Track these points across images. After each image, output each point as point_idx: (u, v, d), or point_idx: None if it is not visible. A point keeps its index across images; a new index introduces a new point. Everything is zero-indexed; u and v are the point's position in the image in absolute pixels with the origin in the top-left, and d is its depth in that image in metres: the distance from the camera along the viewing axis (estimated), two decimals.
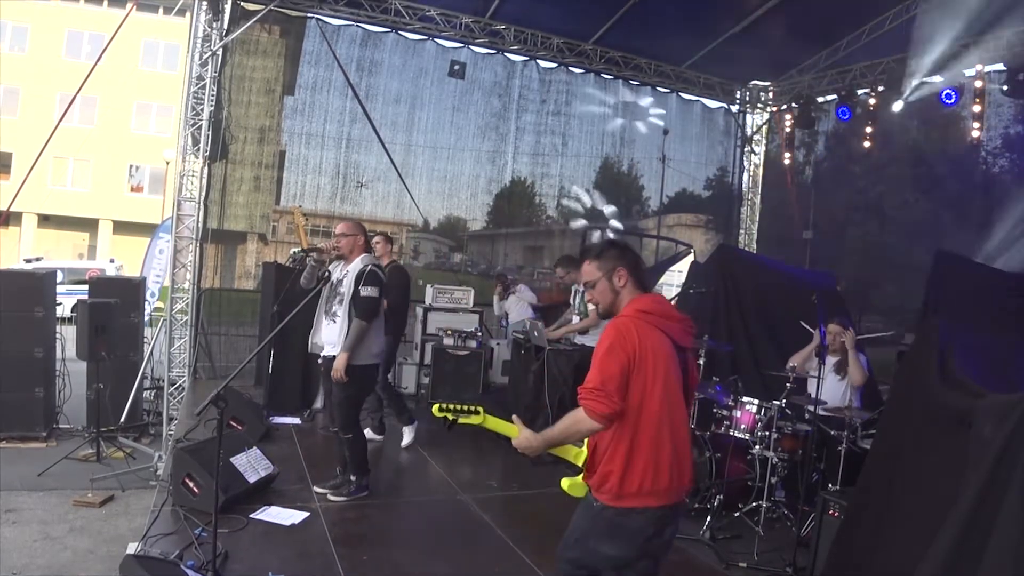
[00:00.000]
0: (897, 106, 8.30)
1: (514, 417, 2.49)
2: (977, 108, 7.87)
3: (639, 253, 2.67)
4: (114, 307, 7.15)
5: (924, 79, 7.94)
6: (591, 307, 6.23)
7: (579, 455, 2.55)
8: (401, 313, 6.31)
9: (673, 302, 7.22)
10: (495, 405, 6.67)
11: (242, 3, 8.22)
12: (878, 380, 5.37)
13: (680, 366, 2.46)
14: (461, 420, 2.49)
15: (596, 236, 11.00)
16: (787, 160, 10.50)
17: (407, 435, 6.04)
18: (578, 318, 6.36)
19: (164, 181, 23.15)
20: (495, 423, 2.48)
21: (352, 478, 4.65)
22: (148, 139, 25.45)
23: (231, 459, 4.41)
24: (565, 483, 2.55)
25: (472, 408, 2.49)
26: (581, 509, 2.53)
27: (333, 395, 4.60)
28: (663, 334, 2.42)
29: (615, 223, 11.09)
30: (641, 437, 2.35)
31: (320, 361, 4.73)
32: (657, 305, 2.50)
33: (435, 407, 2.51)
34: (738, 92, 11.16)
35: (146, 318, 8.93)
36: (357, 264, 4.57)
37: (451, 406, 2.50)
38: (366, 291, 4.45)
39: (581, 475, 2.52)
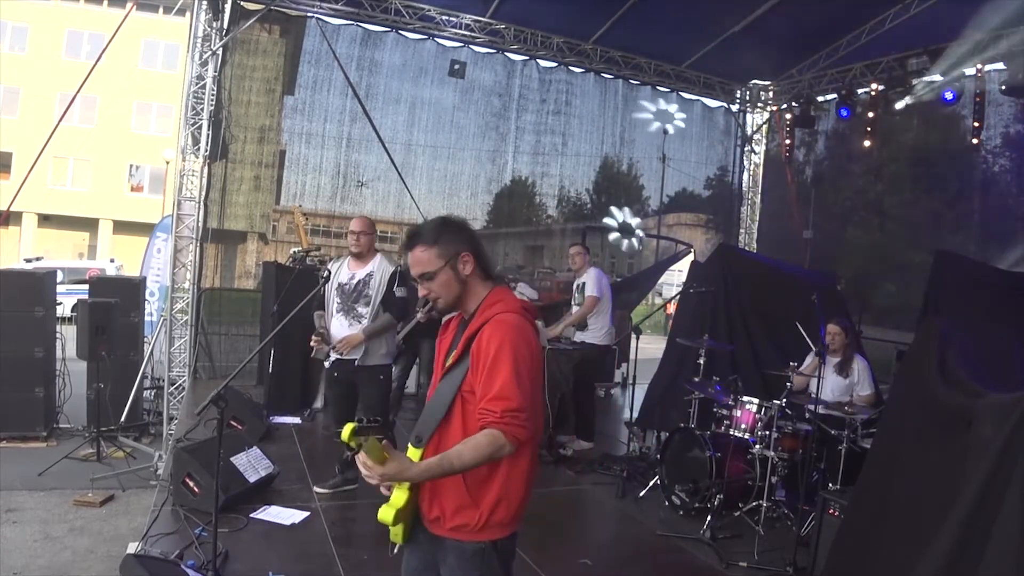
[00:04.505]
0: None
1: (375, 440, 1.81)
2: (976, 110, 7.89)
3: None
4: (114, 307, 7.15)
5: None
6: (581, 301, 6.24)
7: (401, 491, 2.03)
8: None
9: (673, 302, 7.23)
10: None
11: (242, 3, 8.22)
12: (878, 380, 5.37)
13: None
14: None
15: (597, 236, 11.01)
16: (787, 160, 10.50)
17: None
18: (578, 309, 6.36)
19: (164, 181, 23.17)
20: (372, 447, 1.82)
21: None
22: (148, 139, 25.48)
23: (231, 459, 4.41)
24: (390, 515, 2.03)
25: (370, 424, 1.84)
26: (455, 561, 2.04)
27: (368, 398, 4.52)
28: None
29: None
30: (532, 451, 2.05)
31: (329, 366, 4.61)
32: (528, 303, 2.19)
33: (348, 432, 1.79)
34: (738, 92, 11.15)
35: (147, 317, 8.93)
36: (383, 264, 4.54)
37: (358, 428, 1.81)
38: (400, 291, 4.47)
39: (398, 513, 2.03)
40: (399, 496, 2.03)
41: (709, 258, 7.10)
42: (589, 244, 9.69)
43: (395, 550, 2.16)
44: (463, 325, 2.14)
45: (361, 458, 1.82)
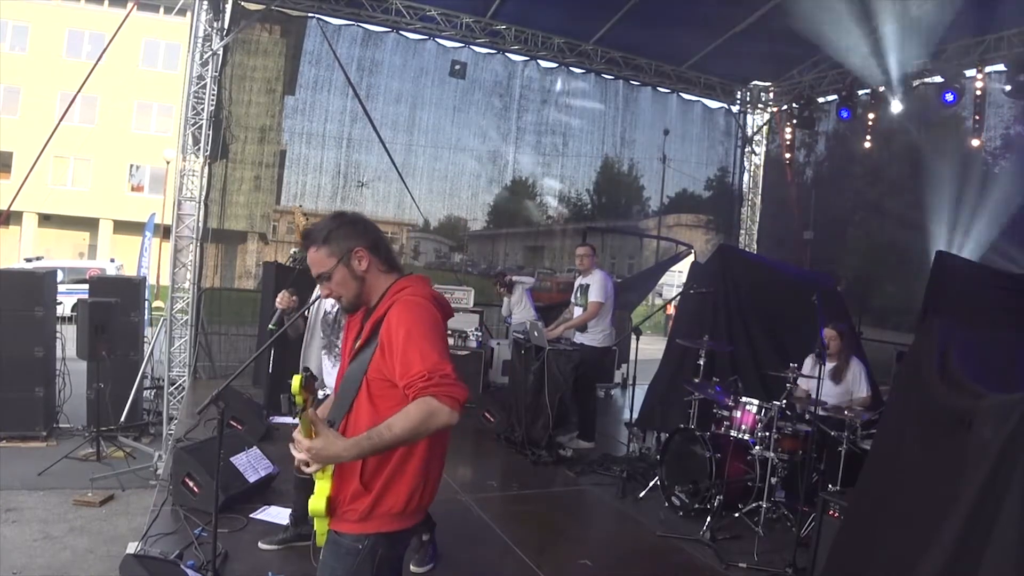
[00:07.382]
0: (895, 107, 8.29)
1: (310, 411, 1.80)
2: (977, 110, 7.88)
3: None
4: (114, 307, 7.15)
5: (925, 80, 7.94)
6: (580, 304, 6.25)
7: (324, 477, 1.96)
8: None
9: (673, 303, 7.24)
10: (495, 405, 6.70)
11: (242, 3, 8.22)
12: (878, 380, 5.37)
13: None
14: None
15: (598, 237, 10.99)
16: (787, 160, 10.51)
17: None
18: (580, 310, 6.36)
19: (164, 181, 23.14)
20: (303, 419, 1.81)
21: None
22: (149, 139, 25.46)
23: (231, 459, 4.42)
24: (322, 504, 1.95)
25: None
26: (328, 554, 2.01)
27: None
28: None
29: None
30: (437, 440, 1.97)
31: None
32: (440, 295, 2.14)
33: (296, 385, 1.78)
34: (738, 92, 11.16)
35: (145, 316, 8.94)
36: None
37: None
38: None
39: (329, 502, 1.95)
40: (323, 485, 1.95)
41: (709, 259, 7.10)
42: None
43: (320, 556, 2.03)
44: (369, 312, 2.10)
45: (295, 432, 1.77)
